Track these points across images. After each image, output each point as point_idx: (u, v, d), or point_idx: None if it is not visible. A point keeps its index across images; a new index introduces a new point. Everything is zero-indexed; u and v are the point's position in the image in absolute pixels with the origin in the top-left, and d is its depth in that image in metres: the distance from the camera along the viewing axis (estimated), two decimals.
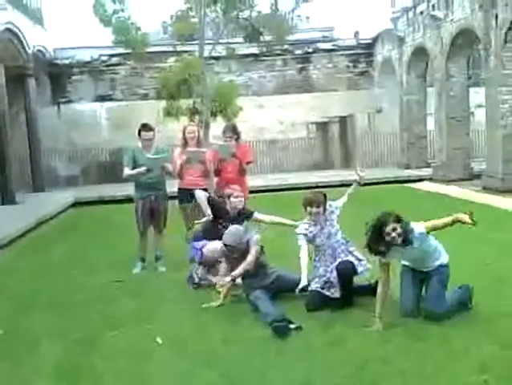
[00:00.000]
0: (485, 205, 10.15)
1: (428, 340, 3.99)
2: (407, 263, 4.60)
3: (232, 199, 5.76)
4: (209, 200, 5.96)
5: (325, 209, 4.95)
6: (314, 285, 4.85)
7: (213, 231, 5.70)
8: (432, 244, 4.45)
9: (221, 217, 5.78)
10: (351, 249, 5.00)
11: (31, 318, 4.97)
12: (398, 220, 4.20)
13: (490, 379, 3.36)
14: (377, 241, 4.21)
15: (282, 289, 5.01)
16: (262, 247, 5.08)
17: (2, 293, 5.87)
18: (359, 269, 4.90)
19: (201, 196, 6.11)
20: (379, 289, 4.38)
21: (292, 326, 4.26)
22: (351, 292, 4.84)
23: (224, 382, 3.50)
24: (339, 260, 4.88)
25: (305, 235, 4.96)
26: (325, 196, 5.03)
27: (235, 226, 5.12)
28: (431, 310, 4.34)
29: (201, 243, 5.72)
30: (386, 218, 4.19)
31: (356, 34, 20.41)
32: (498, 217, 8.94)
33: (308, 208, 4.91)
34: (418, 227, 4.32)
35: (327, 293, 4.81)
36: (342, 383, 3.41)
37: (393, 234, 4.16)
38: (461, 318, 4.34)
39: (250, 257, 4.89)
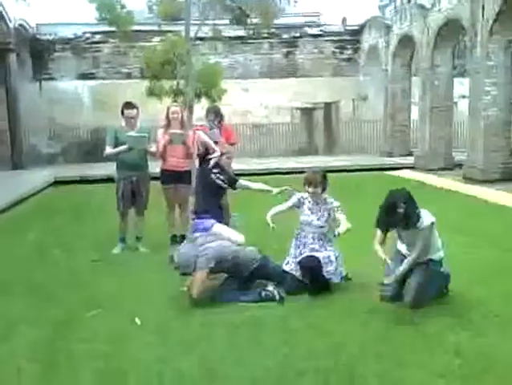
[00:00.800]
0: (464, 195, 10.27)
1: (405, 326, 4.05)
2: (401, 248, 4.61)
3: (224, 158, 5.90)
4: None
5: (324, 189, 4.95)
6: (288, 267, 4.90)
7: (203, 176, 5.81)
8: (434, 238, 4.47)
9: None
10: (328, 248, 4.87)
11: (7, 300, 4.87)
12: (405, 201, 4.27)
13: (464, 364, 3.42)
14: (384, 217, 4.34)
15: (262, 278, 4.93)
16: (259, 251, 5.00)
17: None
18: (328, 269, 4.74)
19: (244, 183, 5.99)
20: (376, 246, 4.52)
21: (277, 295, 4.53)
22: (321, 282, 4.80)
23: (202, 364, 3.50)
24: (304, 254, 4.82)
25: (297, 200, 4.99)
26: (324, 176, 5.03)
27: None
28: (408, 301, 4.38)
29: (206, 222, 5.46)
30: (394, 197, 4.31)
31: (344, 20, 20.36)
32: (477, 207, 9.05)
33: (306, 187, 4.95)
34: (428, 215, 4.37)
35: (297, 274, 4.84)
36: (319, 366, 3.44)
37: (399, 211, 4.24)
38: (438, 304, 4.39)
39: None
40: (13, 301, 4.82)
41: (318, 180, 4.92)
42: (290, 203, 5.06)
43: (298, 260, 4.85)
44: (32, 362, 3.61)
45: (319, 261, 4.74)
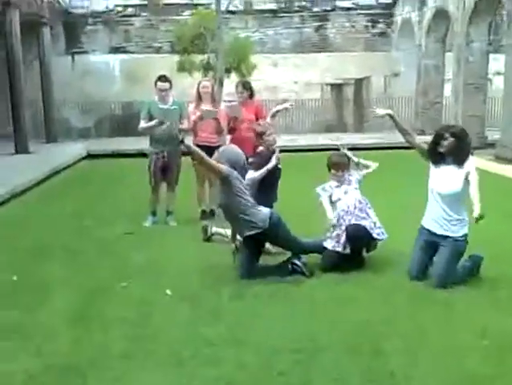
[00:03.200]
0: (496, 175, 10.11)
1: (432, 304, 4.07)
2: (435, 186, 4.49)
3: (265, 137, 5.32)
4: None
5: (347, 171, 4.98)
6: (327, 244, 4.82)
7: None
8: (465, 195, 4.36)
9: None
10: (368, 210, 4.86)
11: (44, 266, 5.09)
12: (453, 133, 4.35)
13: (490, 345, 3.45)
14: (433, 147, 4.45)
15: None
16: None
17: (15, 242, 6.00)
18: (376, 232, 4.78)
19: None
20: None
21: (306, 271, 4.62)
22: (360, 254, 4.89)
23: (229, 334, 3.62)
24: (352, 220, 4.76)
25: (324, 190, 5.01)
26: (349, 159, 5.05)
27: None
28: (435, 279, 4.40)
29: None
30: (443, 129, 4.48)
31: None
32: (508, 187, 8.93)
33: (332, 171, 4.98)
34: (471, 163, 4.35)
35: (338, 249, 4.74)
36: (343, 340, 3.51)
37: (445, 143, 4.33)
38: (467, 283, 4.40)
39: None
40: (50, 267, 5.06)
41: (344, 164, 4.95)
42: (324, 196, 5.00)
43: (344, 227, 4.74)
44: (70, 327, 3.78)
45: (366, 229, 4.73)
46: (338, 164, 4.96)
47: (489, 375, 3.09)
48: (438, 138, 4.42)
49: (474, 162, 4.39)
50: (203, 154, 4.70)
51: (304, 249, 4.89)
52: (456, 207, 4.39)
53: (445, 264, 4.38)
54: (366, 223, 4.77)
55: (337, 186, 5.00)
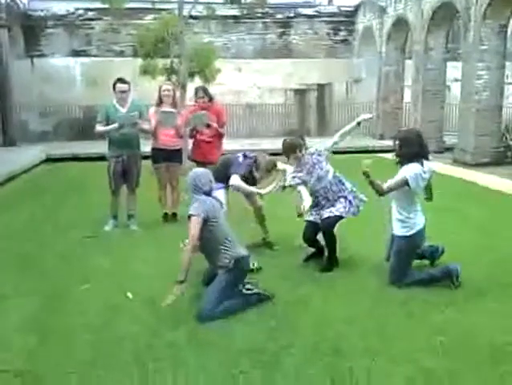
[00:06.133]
0: (453, 178, 10.39)
1: (391, 304, 4.16)
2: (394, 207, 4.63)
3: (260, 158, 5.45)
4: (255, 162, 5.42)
5: (304, 150, 5.01)
6: (308, 218, 5.08)
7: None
8: (408, 197, 4.47)
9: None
10: (344, 187, 5.02)
11: (2, 273, 4.96)
12: (396, 138, 4.54)
13: (446, 341, 3.54)
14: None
15: None
16: None
17: None
18: (351, 211, 4.99)
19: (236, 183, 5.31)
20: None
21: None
22: (333, 250, 5.00)
23: (190, 339, 3.59)
24: (325, 212, 4.96)
25: (296, 181, 5.05)
26: (302, 138, 5.10)
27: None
28: (389, 278, 4.56)
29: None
30: (397, 134, 4.67)
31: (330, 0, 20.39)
32: (465, 190, 9.18)
33: (288, 157, 5.04)
34: (408, 168, 4.39)
35: (319, 221, 4.98)
36: (304, 343, 3.54)
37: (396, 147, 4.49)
38: (424, 285, 4.50)
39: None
40: (5, 275, 4.91)
41: (296, 145, 4.99)
42: (301, 186, 5.06)
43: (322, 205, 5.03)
44: (26, 335, 3.68)
45: (339, 217, 4.95)
46: (286, 149, 5.01)
47: (446, 370, 3.17)
48: (393, 142, 4.56)
49: (414, 168, 4.36)
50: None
51: None
52: (400, 207, 4.51)
53: (392, 265, 4.57)
54: (340, 207, 4.94)
55: (299, 170, 5.04)
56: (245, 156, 5.43)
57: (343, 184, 5.08)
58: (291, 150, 5.00)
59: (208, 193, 4.19)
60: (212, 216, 4.02)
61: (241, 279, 4.15)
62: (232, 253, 4.06)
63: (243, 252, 4.16)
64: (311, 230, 5.09)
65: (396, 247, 4.55)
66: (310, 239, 5.13)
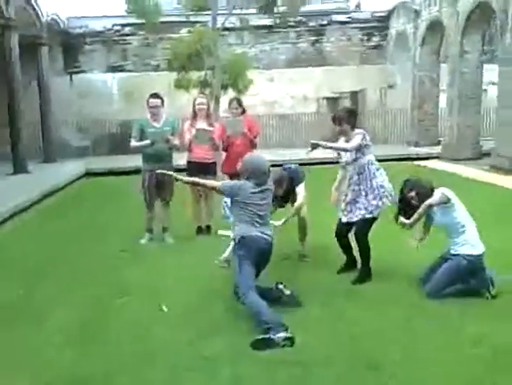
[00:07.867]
0: (491, 184, 10.15)
1: (427, 315, 4.11)
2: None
3: None
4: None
5: (353, 126, 5.04)
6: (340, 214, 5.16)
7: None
8: (455, 217, 4.51)
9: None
10: (375, 182, 4.99)
11: (42, 283, 5.18)
12: (412, 187, 4.63)
13: (484, 352, 3.48)
14: (401, 203, 4.71)
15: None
16: None
17: (16, 260, 6.06)
18: (369, 210, 4.93)
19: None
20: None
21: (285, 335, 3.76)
22: (366, 259, 5.03)
23: (228, 350, 3.65)
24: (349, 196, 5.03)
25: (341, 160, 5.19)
26: (351, 112, 5.17)
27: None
28: (425, 291, 4.51)
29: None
30: (403, 184, 4.72)
31: (358, 5, 20.26)
32: (503, 197, 8.95)
33: (335, 126, 5.10)
34: (437, 194, 4.52)
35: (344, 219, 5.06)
36: (336, 355, 3.54)
37: (409, 195, 4.62)
38: (462, 296, 4.43)
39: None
40: (47, 285, 5.13)
41: (342, 117, 5.01)
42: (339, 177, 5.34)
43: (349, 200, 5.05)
44: (66, 345, 3.81)
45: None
46: (333, 118, 5.09)
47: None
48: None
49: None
50: (193, 179, 4.95)
51: None
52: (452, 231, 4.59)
53: (438, 277, 4.52)
54: (360, 205, 4.95)
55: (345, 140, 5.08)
56: (284, 169, 5.51)
57: (376, 176, 5.02)
58: (334, 121, 5.04)
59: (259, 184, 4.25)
60: (235, 194, 4.23)
61: (248, 258, 4.12)
62: (241, 229, 4.18)
63: (256, 232, 4.16)
64: (341, 227, 5.16)
65: (449, 264, 4.53)
66: (338, 235, 5.19)
